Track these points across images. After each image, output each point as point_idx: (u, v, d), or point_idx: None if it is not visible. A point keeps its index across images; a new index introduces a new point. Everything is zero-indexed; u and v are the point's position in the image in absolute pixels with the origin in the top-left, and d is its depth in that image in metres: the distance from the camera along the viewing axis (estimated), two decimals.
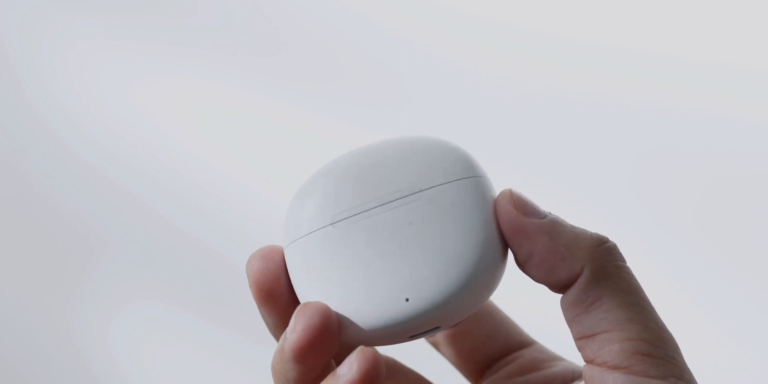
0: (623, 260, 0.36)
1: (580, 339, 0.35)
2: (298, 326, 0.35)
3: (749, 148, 0.92)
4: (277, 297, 0.37)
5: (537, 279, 0.36)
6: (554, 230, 0.36)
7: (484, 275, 0.36)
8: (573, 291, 0.35)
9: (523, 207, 0.36)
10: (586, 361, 0.35)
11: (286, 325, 0.37)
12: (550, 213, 0.36)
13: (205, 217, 0.98)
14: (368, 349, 0.35)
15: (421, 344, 0.42)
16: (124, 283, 0.96)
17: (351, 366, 0.34)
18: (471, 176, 0.37)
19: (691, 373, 0.34)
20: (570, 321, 0.35)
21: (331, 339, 0.36)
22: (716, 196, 0.91)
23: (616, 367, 0.34)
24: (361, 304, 0.36)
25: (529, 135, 0.96)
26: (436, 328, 0.36)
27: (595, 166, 0.94)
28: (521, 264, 0.36)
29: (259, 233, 0.96)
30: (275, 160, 0.99)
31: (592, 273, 0.35)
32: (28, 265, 0.99)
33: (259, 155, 1.00)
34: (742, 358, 0.84)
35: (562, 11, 0.98)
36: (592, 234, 0.36)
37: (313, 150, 0.98)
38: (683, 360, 0.34)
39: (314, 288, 0.37)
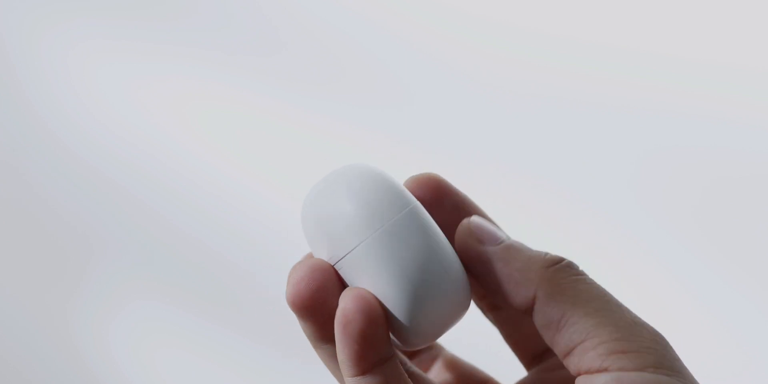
0: (580, 273, 0.36)
1: (564, 358, 0.35)
2: (288, 282, 0.36)
3: (749, 148, 0.92)
4: (319, 309, 0.37)
5: (499, 303, 0.37)
6: (508, 256, 0.36)
7: (454, 295, 0.37)
8: (537, 314, 0.35)
9: (479, 236, 0.37)
10: (574, 374, 0.35)
11: (326, 336, 0.37)
12: (508, 238, 0.37)
13: (205, 217, 0.98)
14: (356, 289, 0.35)
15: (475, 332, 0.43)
16: (124, 283, 0.96)
17: (339, 308, 0.35)
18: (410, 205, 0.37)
19: (673, 360, 0.34)
20: (550, 344, 0.35)
21: (323, 292, 0.36)
22: (716, 196, 0.91)
23: (597, 371, 0.34)
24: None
25: (529, 135, 0.96)
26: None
27: (595, 166, 0.94)
28: (484, 289, 0.37)
29: (259, 233, 0.96)
30: (275, 160, 0.99)
31: (546, 293, 0.35)
32: (28, 265, 0.99)
33: (258, 155, 1.00)
34: (742, 358, 0.84)
35: (562, 11, 0.98)
36: (545, 256, 0.36)
37: (313, 150, 0.98)
38: (664, 349, 0.34)
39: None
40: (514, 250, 0.36)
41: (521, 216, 0.85)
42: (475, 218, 0.37)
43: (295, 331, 0.40)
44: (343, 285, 0.37)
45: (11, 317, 0.96)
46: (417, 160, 0.94)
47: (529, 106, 0.96)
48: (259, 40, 1.04)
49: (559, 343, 0.35)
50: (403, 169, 1.03)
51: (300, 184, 0.98)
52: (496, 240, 0.37)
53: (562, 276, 0.36)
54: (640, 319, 0.35)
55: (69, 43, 1.05)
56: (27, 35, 1.06)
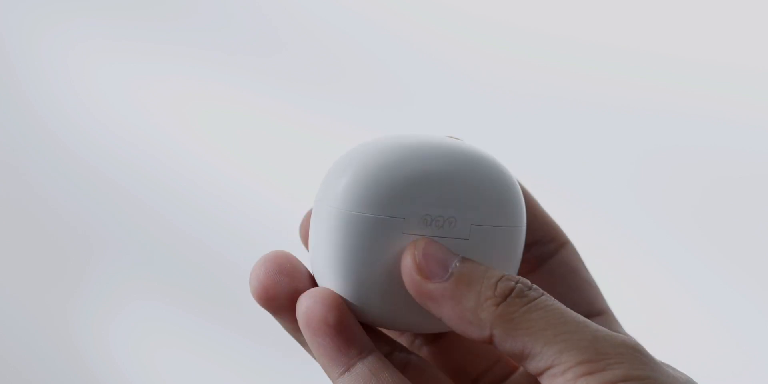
0: (531, 298, 0.35)
1: (539, 377, 0.35)
2: (252, 273, 0.37)
3: (749, 148, 0.92)
4: (281, 303, 0.37)
5: (462, 335, 0.36)
6: (458, 294, 0.35)
7: None
8: (499, 348, 0.35)
9: (424, 269, 0.35)
10: None
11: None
12: (456, 266, 0.35)
13: (204, 217, 0.98)
14: (320, 288, 0.36)
15: None
16: (124, 283, 0.96)
17: (298, 306, 0.35)
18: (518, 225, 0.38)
19: (642, 366, 0.34)
20: (524, 368, 0.35)
21: (284, 283, 0.37)
22: (716, 196, 0.91)
23: None
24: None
25: (529, 135, 0.96)
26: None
27: (595, 166, 0.94)
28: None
29: (258, 233, 0.96)
30: (275, 160, 0.99)
31: (501, 333, 0.34)
32: (28, 265, 0.99)
33: (258, 155, 1.00)
34: (742, 358, 0.84)
35: (562, 11, 0.98)
36: (495, 286, 0.35)
37: (313, 150, 0.98)
38: (631, 358, 0.34)
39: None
40: (463, 286, 0.35)
41: None
42: (420, 242, 0.36)
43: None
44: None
45: (11, 317, 0.96)
46: None
47: (529, 106, 0.96)
48: (259, 40, 1.04)
49: (529, 369, 0.35)
50: None
51: (300, 183, 0.98)
52: (441, 274, 0.35)
53: (513, 309, 0.35)
54: (602, 331, 0.34)
55: (69, 43, 1.05)
56: (27, 35, 1.06)
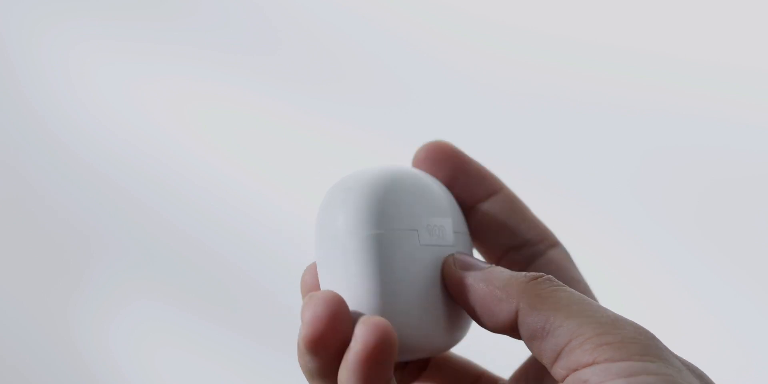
0: (560, 284, 0.37)
1: (553, 365, 0.36)
2: (305, 318, 0.36)
3: (749, 148, 0.92)
4: (330, 344, 0.37)
5: (486, 326, 0.38)
6: (489, 277, 0.38)
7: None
8: (522, 327, 0.37)
9: (462, 265, 0.39)
10: (561, 380, 0.36)
11: (332, 370, 0.38)
12: (491, 265, 0.39)
13: (204, 217, 0.98)
14: (373, 317, 0.36)
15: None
16: (124, 283, 0.96)
17: (356, 338, 0.36)
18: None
19: (658, 349, 0.35)
20: (540, 357, 0.36)
21: (341, 326, 0.36)
22: (717, 196, 0.91)
23: (585, 365, 0.34)
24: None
25: (529, 135, 0.96)
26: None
27: (595, 166, 0.94)
28: (471, 317, 0.39)
29: (258, 233, 0.96)
30: (275, 160, 0.99)
31: (527, 304, 0.37)
32: (28, 265, 0.99)
33: (259, 155, 1.00)
34: (742, 358, 0.84)
35: (562, 11, 0.98)
36: (525, 273, 0.38)
37: (313, 150, 0.98)
38: (649, 340, 0.35)
39: None
40: (496, 271, 0.38)
41: None
42: (458, 254, 0.40)
43: (294, 331, 0.40)
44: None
45: (11, 317, 0.96)
46: None
47: (529, 106, 0.96)
48: (258, 40, 1.04)
49: (546, 350, 0.36)
50: None
51: (299, 183, 0.98)
52: (479, 267, 0.39)
53: (542, 287, 0.37)
54: (622, 316, 0.36)
55: (69, 43, 1.05)
56: (27, 35, 1.06)
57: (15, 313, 0.96)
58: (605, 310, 0.36)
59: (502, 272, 0.38)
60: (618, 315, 0.36)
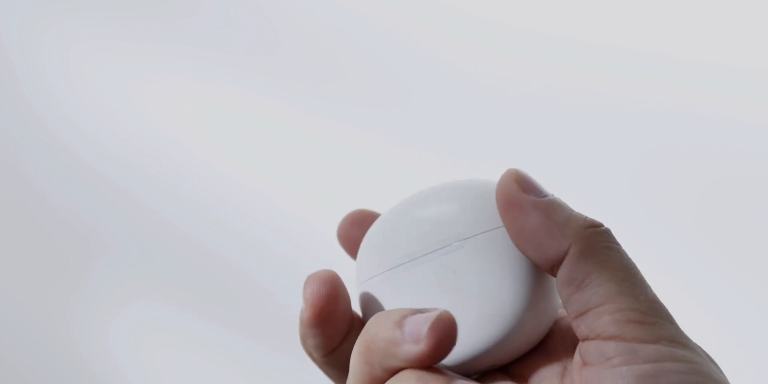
0: (616, 242, 0.36)
1: (576, 318, 0.35)
2: (306, 295, 0.37)
3: (749, 148, 0.92)
4: (331, 320, 0.38)
5: (527, 253, 0.37)
6: (550, 208, 0.36)
7: (527, 319, 0.37)
8: (563, 270, 0.35)
9: (524, 184, 0.37)
10: (581, 339, 0.35)
11: (331, 346, 0.38)
12: (552, 195, 0.37)
13: (204, 217, 0.98)
14: (446, 314, 0.34)
15: None
16: (124, 283, 0.96)
17: (419, 336, 0.34)
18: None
19: (686, 337, 0.35)
20: (566, 302, 0.35)
21: (340, 305, 0.37)
22: (717, 196, 0.91)
23: (610, 337, 0.34)
24: None
25: (530, 135, 0.96)
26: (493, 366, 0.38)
27: (595, 165, 0.94)
28: (512, 237, 0.37)
29: (258, 233, 0.96)
30: (275, 160, 0.99)
31: (579, 250, 0.35)
32: (28, 265, 0.99)
33: (258, 155, 1.00)
34: (742, 358, 0.84)
35: (562, 11, 0.98)
36: (586, 217, 0.37)
37: (313, 150, 0.98)
38: (677, 326, 0.35)
39: None
40: (558, 205, 0.37)
41: None
42: (519, 170, 0.38)
43: (294, 331, 0.40)
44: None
45: (11, 317, 0.96)
46: (417, 160, 0.94)
47: (529, 106, 0.96)
48: (258, 40, 1.04)
49: (575, 302, 0.35)
50: (404, 169, 1.03)
51: (299, 183, 0.98)
52: (539, 193, 0.37)
53: (598, 239, 0.36)
54: (659, 299, 0.35)
55: (69, 43, 1.05)
56: (27, 35, 1.06)
57: (15, 313, 0.96)
58: (647, 287, 0.35)
59: (563, 208, 0.36)
60: (656, 296, 0.35)
